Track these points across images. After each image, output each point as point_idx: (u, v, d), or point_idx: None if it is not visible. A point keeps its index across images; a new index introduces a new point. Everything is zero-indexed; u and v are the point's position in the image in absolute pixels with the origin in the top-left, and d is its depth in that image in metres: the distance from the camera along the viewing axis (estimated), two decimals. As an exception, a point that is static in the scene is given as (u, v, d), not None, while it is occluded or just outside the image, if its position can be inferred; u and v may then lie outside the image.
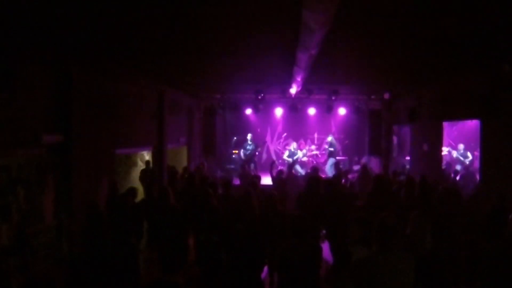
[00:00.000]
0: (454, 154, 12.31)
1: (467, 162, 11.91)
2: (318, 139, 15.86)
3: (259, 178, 8.17)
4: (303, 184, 8.02)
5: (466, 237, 5.07)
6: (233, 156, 15.13)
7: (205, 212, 5.90)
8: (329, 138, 14.51)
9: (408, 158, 13.23)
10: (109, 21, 5.01)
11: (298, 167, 13.75)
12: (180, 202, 6.96)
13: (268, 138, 16.46)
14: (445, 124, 10.94)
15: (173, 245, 2.72)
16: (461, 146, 12.24)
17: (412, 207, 5.47)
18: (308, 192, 6.61)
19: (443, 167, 10.97)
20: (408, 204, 6.19)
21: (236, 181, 11.08)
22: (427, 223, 4.48)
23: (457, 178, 10.37)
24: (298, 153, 13.98)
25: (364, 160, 14.24)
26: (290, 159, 13.59)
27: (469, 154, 11.99)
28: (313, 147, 15.50)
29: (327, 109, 13.11)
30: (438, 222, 5.16)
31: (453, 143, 13.27)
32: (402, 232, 4.40)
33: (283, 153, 14.71)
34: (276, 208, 5.77)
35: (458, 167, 11.64)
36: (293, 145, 14.17)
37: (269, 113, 14.61)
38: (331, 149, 14.17)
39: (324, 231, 6.33)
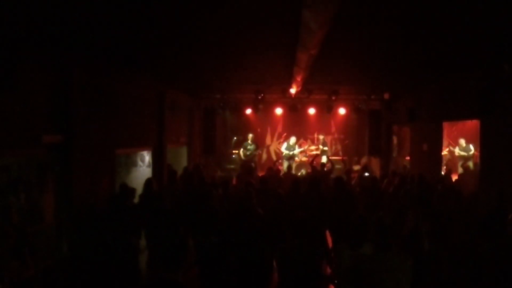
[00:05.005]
0: (456, 151, 12.31)
1: (471, 154, 11.89)
2: (317, 139, 15.82)
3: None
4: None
5: (466, 237, 5.07)
6: (233, 156, 15.12)
7: (204, 212, 5.91)
8: (321, 137, 14.68)
9: (408, 158, 13.23)
10: (109, 21, 5.01)
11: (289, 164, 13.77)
12: (180, 202, 6.99)
13: (268, 140, 16.44)
14: (445, 124, 10.94)
15: (172, 244, 2.72)
16: (461, 141, 12.22)
17: (410, 206, 5.47)
18: (310, 193, 6.62)
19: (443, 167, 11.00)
20: (406, 203, 6.20)
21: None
22: (425, 222, 4.49)
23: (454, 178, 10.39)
24: (296, 149, 13.95)
25: (364, 160, 14.26)
26: (287, 152, 13.66)
27: (471, 147, 11.96)
28: (313, 147, 15.44)
29: (327, 109, 13.12)
30: (437, 222, 5.16)
31: (452, 143, 13.29)
32: (399, 231, 4.40)
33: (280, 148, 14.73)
34: (285, 208, 5.80)
35: (460, 165, 11.65)
36: (292, 139, 14.09)
37: (269, 113, 14.61)
38: (325, 148, 14.32)
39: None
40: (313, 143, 15.78)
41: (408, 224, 4.50)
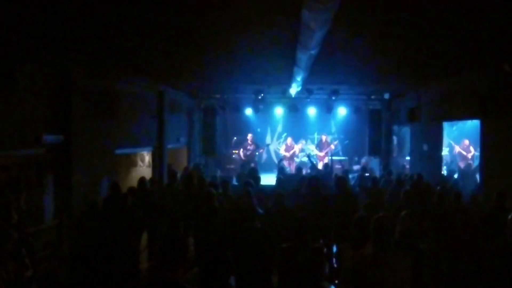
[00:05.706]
0: (457, 149, 12.36)
1: (469, 156, 11.94)
2: (317, 139, 15.77)
3: (258, 179, 8.16)
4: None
5: (466, 237, 5.07)
6: (233, 156, 15.12)
7: (204, 212, 5.91)
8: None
9: (408, 158, 13.23)
10: (108, 21, 5.01)
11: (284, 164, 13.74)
12: (180, 201, 6.99)
13: (268, 140, 16.43)
14: (445, 124, 10.94)
15: (171, 243, 2.72)
16: (466, 142, 12.29)
17: (407, 206, 5.46)
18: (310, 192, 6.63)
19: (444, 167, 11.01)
20: (404, 203, 6.19)
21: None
22: (423, 222, 4.49)
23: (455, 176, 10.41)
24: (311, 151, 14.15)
25: (364, 160, 14.24)
26: (286, 153, 13.76)
27: (471, 148, 12.01)
28: (312, 146, 15.41)
29: (327, 109, 13.11)
30: (436, 222, 5.16)
31: (452, 143, 13.30)
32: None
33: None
34: (285, 208, 5.81)
35: (461, 164, 11.70)
36: (288, 140, 14.27)
37: (269, 113, 14.59)
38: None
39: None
40: (312, 143, 15.74)
41: (404, 224, 4.49)
